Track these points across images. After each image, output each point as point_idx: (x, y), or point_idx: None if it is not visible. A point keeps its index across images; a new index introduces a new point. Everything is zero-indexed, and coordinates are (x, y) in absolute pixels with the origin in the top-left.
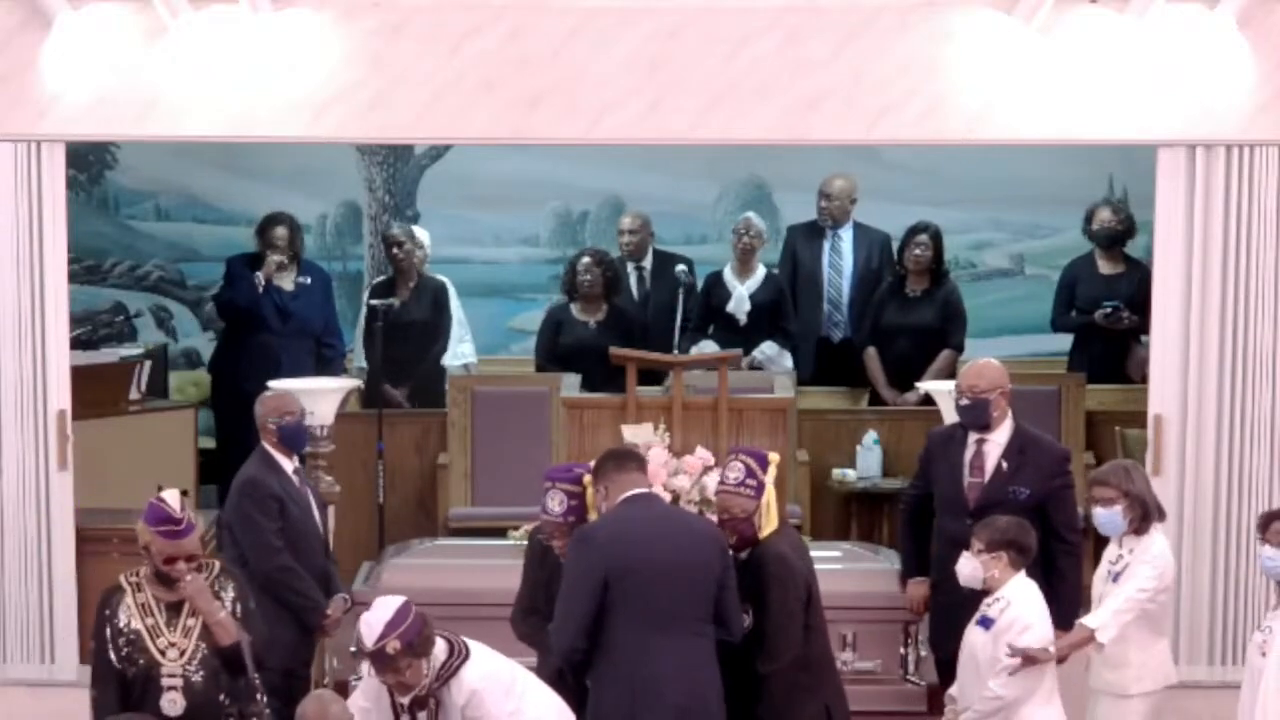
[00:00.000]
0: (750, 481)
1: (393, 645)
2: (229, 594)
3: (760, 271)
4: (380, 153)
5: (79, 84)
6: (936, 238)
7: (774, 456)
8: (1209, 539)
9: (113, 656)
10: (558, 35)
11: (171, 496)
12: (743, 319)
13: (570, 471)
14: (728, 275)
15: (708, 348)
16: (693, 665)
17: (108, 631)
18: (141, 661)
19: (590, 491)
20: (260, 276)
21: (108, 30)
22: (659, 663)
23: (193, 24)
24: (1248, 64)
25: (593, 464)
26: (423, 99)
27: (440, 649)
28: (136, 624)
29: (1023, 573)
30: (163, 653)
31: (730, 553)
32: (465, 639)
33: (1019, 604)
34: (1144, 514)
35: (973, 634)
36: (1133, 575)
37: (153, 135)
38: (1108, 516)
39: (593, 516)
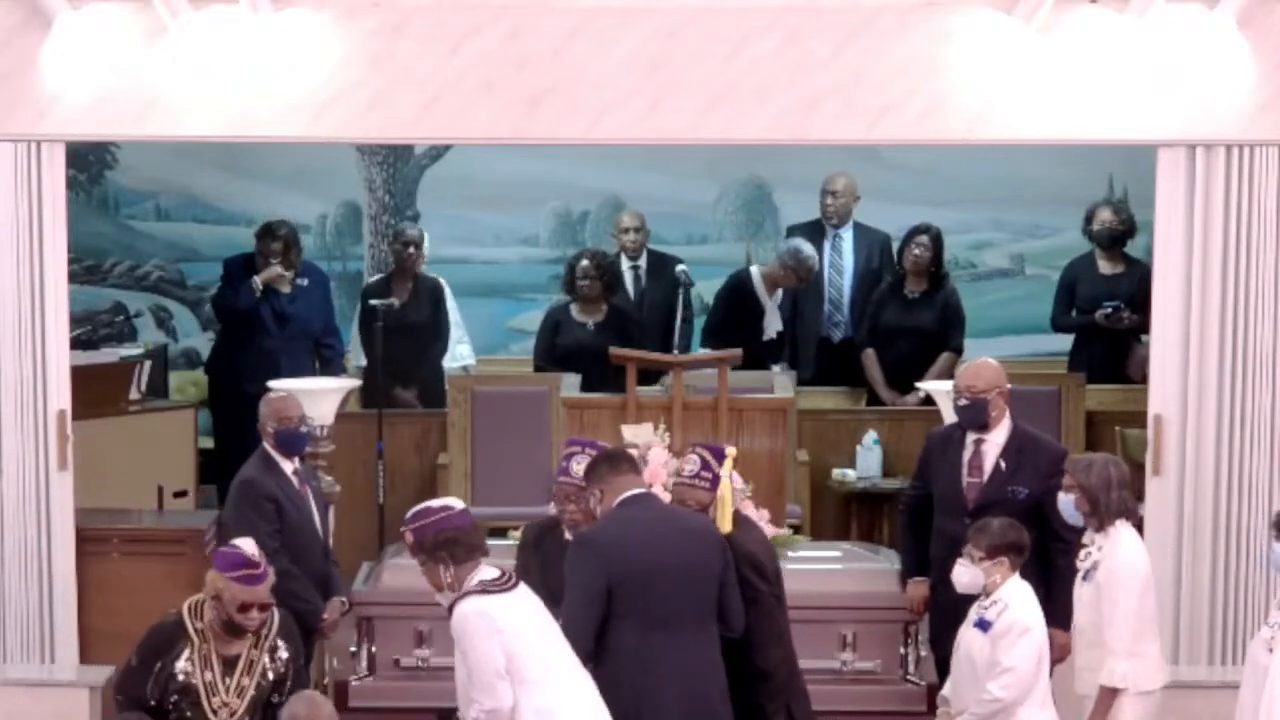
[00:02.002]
0: (705, 474)
1: (407, 535)
2: (283, 654)
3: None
4: (380, 153)
5: (79, 84)
6: (937, 240)
7: (730, 451)
8: (1209, 539)
9: (151, 691)
10: (558, 35)
11: (246, 544)
12: (773, 335)
13: (595, 443)
14: (757, 286)
15: None
16: (696, 664)
17: (158, 667)
18: (190, 715)
19: (728, 463)
20: (258, 281)
21: (108, 30)
22: (662, 664)
23: (193, 24)
24: (1248, 64)
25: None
26: (423, 99)
27: (488, 570)
28: (195, 679)
29: (1017, 574)
30: (215, 712)
31: (729, 548)
32: (527, 589)
33: (1016, 607)
34: (1093, 509)
35: (969, 636)
36: (1110, 606)
37: (153, 135)
38: (1065, 503)
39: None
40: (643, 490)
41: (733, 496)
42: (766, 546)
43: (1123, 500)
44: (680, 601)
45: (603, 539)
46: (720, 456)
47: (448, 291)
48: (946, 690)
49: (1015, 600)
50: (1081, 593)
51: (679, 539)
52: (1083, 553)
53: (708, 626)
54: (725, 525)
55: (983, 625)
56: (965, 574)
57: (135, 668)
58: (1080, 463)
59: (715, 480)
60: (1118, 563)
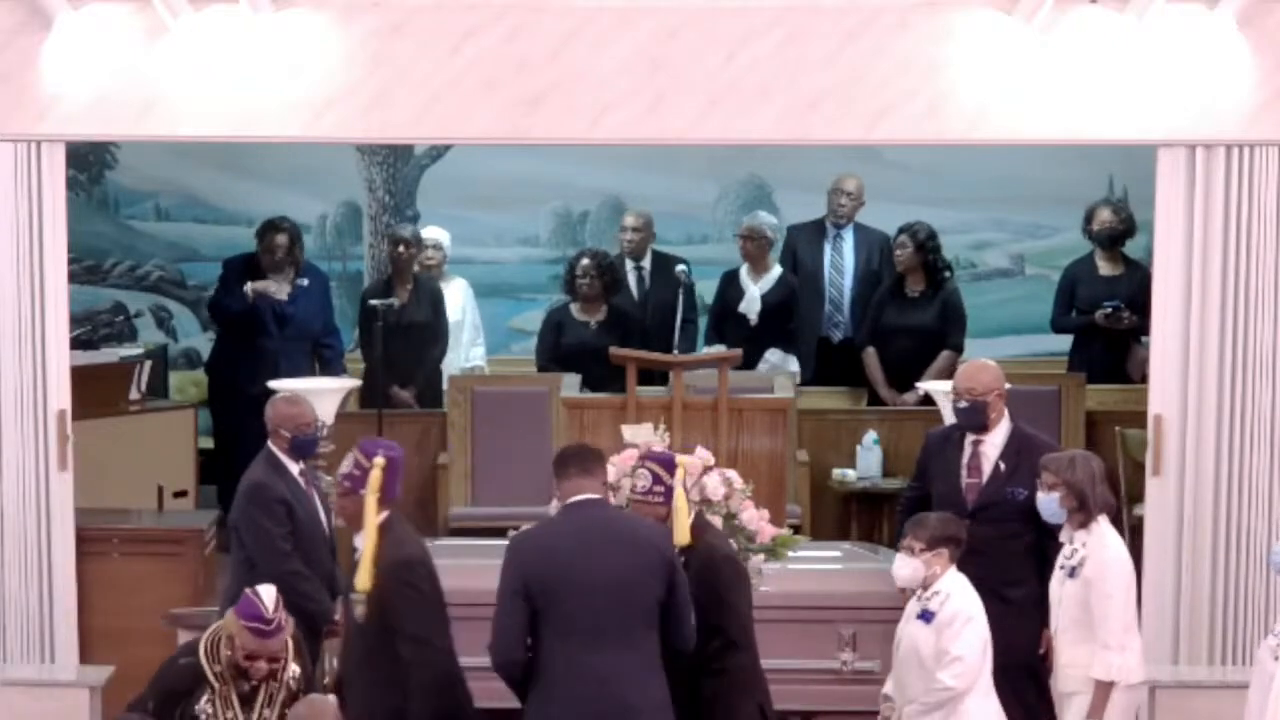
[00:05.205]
0: (658, 488)
1: None
2: (296, 672)
3: (775, 271)
4: (380, 153)
5: (79, 84)
6: (916, 237)
7: (681, 459)
8: (1209, 539)
9: None
10: (558, 35)
11: (268, 594)
12: (753, 319)
13: (376, 445)
14: (743, 275)
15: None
16: (622, 680)
17: (177, 714)
18: None
19: (375, 472)
20: (250, 289)
21: (108, 30)
22: (585, 678)
23: (193, 24)
24: (1248, 64)
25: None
26: (423, 99)
27: None
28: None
29: (954, 566)
30: None
31: (679, 560)
32: None
33: (958, 596)
34: (1080, 504)
35: (912, 629)
36: (1101, 600)
37: (153, 135)
38: (1046, 501)
39: (372, 496)
40: (590, 496)
41: (688, 505)
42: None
43: (1105, 495)
44: (604, 613)
45: (528, 543)
46: (670, 467)
47: (469, 293)
48: (888, 688)
49: (956, 590)
50: (1065, 590)
51: (612, 549)
52: (1067, 549)
53: (637, 641)
54: (683, 536)
55: (926, 616)
56: (905, 567)
57: (153, 711)
58: (1061, 460)
59: (668, 492)
60: (1106, 558)
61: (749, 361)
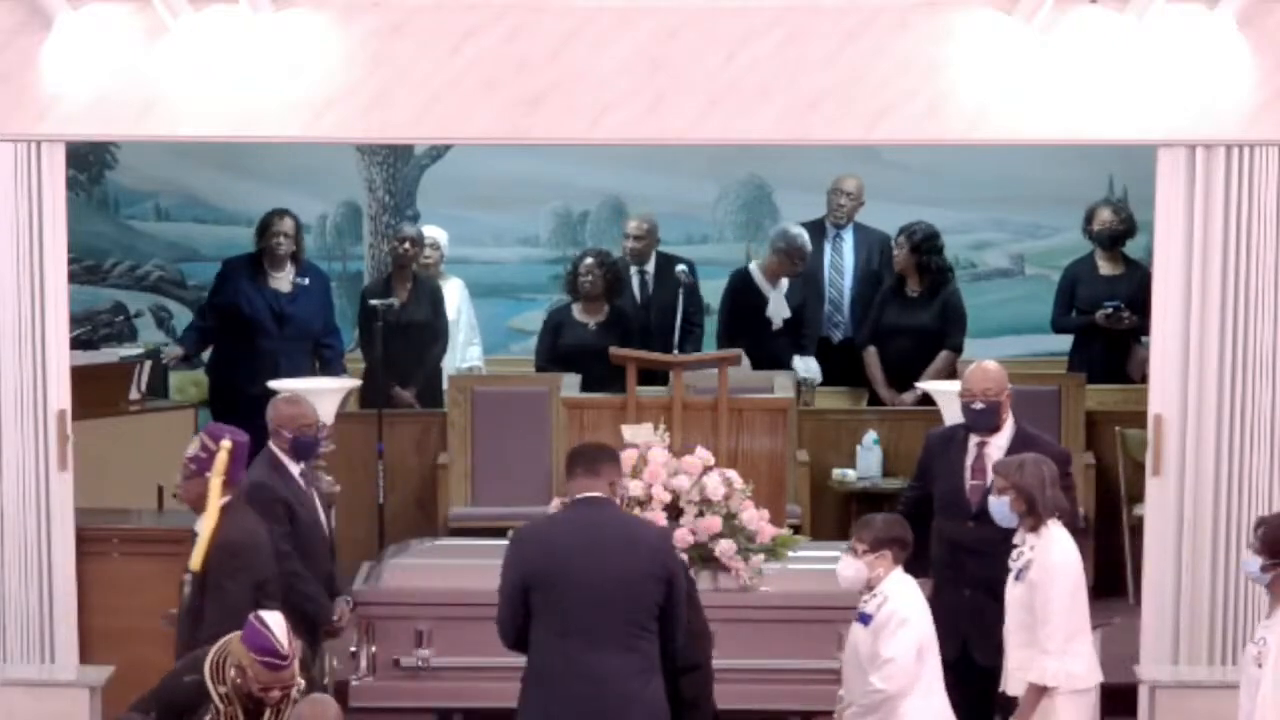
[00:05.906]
0: None
1: None
2: (302, 685)
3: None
4: (380, 153)
5: (79, 84)
6: (912, 237)
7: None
8: (1209, 539)
9: None
10: (558, 35)
11: (277, 625)
12: (779, 323)
13: (222, 429)
14: (758, 279)
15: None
16: (622, 679)
17: None
18: None
19: (221, 455)
20: (168, 352)
21: (108, 30)
22: (584, 677)
23: (193, 24)
24: (1248, 64)
25: None
26: (423, 99)
27: None
28: None
29: (900, 568)
30: None
31: (681, 566)
32: None
33: (896, 599)
34: (1029, 508)
35: (854, 631)
36: (1043, 604)
37: (153, 135)
38: (997, 505)
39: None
40: (593, 495)
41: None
42: None
43: (1056, 498)
44: (603, 613)
45: (528, 537)
46: None
47: (465, 294)
48: (843, 690)
49: (895, 593)
50: (1013, 593)
51: (611, 549)
52: (1014, 552)
53: (634, 643)
54: None
55: (863, 619)
56: (849, 568)
57: (152, 711)
58: (1011, 464)
59: None
60: (1052, 561)
61: (776, 365)
